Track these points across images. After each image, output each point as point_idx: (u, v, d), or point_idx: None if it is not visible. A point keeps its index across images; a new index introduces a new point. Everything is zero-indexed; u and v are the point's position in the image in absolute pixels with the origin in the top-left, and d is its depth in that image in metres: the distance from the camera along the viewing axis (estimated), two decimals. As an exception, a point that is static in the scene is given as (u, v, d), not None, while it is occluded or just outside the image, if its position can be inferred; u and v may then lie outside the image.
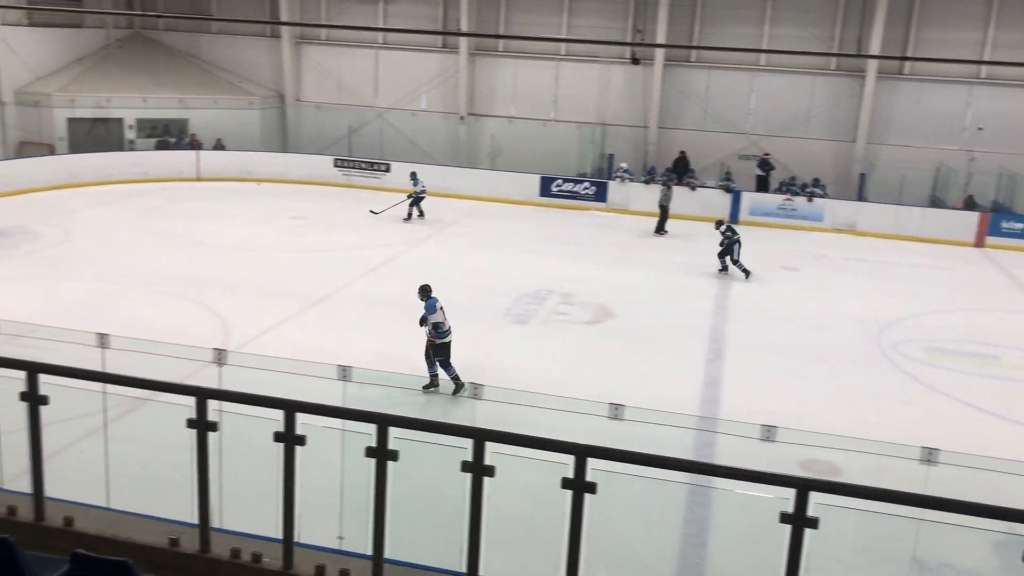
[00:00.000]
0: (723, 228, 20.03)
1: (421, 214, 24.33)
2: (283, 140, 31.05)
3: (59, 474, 6.89)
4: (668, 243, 23.38)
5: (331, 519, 7.59)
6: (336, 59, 30.88)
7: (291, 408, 4.73)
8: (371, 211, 24.16)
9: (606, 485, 5.52)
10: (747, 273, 19.64)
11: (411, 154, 29.79)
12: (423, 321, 12.23)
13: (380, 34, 30.04)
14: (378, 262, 19.61)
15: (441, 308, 12.36)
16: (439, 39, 29.91)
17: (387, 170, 28.58)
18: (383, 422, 4.62)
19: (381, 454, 4.66)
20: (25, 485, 5.61)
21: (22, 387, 5.14)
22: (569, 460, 4.49)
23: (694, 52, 28.15)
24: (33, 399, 5.02)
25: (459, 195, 27.50)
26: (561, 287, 18.27)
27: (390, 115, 30.54)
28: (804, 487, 4.14)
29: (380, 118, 30.57)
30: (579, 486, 4.42)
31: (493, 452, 4.73)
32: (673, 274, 19.99)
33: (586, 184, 27.39)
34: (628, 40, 28.04)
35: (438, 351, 11.97)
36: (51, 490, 5.59)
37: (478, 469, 4.54)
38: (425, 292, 12.59)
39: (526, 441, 4.47)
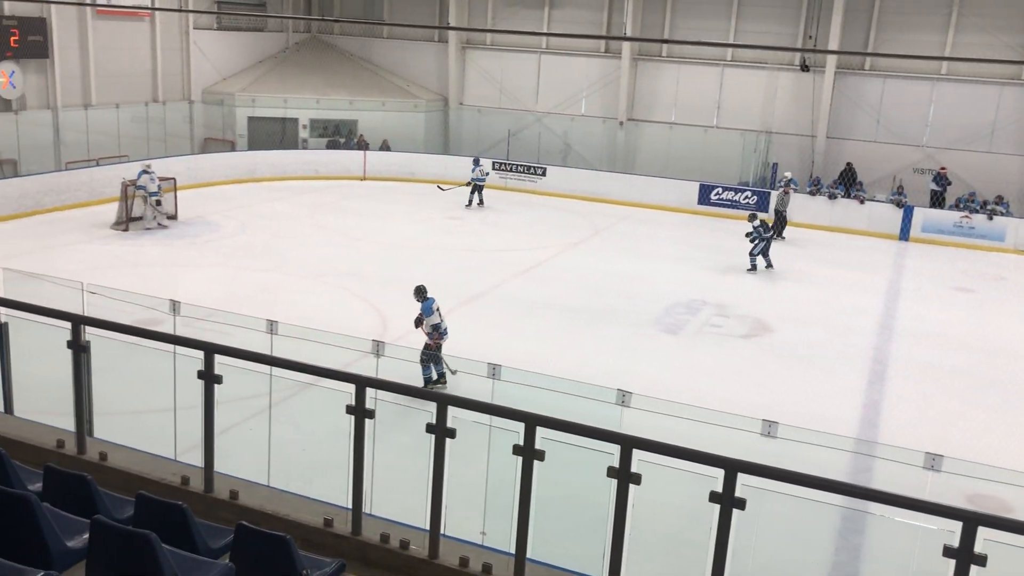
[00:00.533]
0: (756, 223, 20.30)
1: (480, 202, 25.42)
2: (445, 142, 31.86)
3: (227, 450, 7.35)
4: (834, 258, 22.44)
5: (476, 514, 7.73)
6: (499, 63, 31.42)
7: (443, 401, 4.85)
8: (439, 187, 25.67)
9: (756, 502, 5.37)
10: (769, 265, 20.38)
11: (568, 158, 29.95)
12: (419, 322, 12.26)
13: (543, 38, 30.32)
14: (531, 264, 19.80)
15: (437, 309, 12.38)
16: (602, 43, 29.89)
17: (543, 174, 28.81)
18: (531, 421, 4.67)
19: (528, 453, 4.71)
20: (196, 458, 6.01)
21: (199, 366, 5.52)
22: (718, 474, 4.40)
23: (869, 59, 26.90)
24: (209, 378, 5.37)
25: (615, 200, 27.42)
26: (716, 298, 17.87)
27: (549, 119, 30.77)
28: (973, 521, 3.89)
29: (539, 122, 30.86)
30: (728, 501, 4.32)
31: (640, 460, 4.69)
32: (836, 290, 19.16)
33: (747, 193, 26.69)
34: (798, 46, 27.11)
35: (433, 353, 11.94)
36: (219, 464, 5.97)
37: (624, 476, 4.51)
38: (421, 293, 12.63)
39: (675, 451, 4.41)
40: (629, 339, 15.27)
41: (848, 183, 26.29)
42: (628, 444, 4.48)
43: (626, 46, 28.80)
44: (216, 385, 5.43)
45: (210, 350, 5.33)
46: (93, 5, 24.69)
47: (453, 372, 11.83)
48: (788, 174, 26.35)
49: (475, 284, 17.86)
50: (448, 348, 12.40)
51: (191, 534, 4.18)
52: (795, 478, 4.38)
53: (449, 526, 6.02)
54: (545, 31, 30.08)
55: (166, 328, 10.36)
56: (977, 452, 10.73)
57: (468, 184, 25.29)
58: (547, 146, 30.60)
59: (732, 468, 4.28)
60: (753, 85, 28.36)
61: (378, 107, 30.57)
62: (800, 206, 25.40)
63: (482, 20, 31.00)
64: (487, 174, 25.82)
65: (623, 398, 7.73)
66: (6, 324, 9.13)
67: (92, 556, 3.38)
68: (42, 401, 9.84)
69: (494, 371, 8.38)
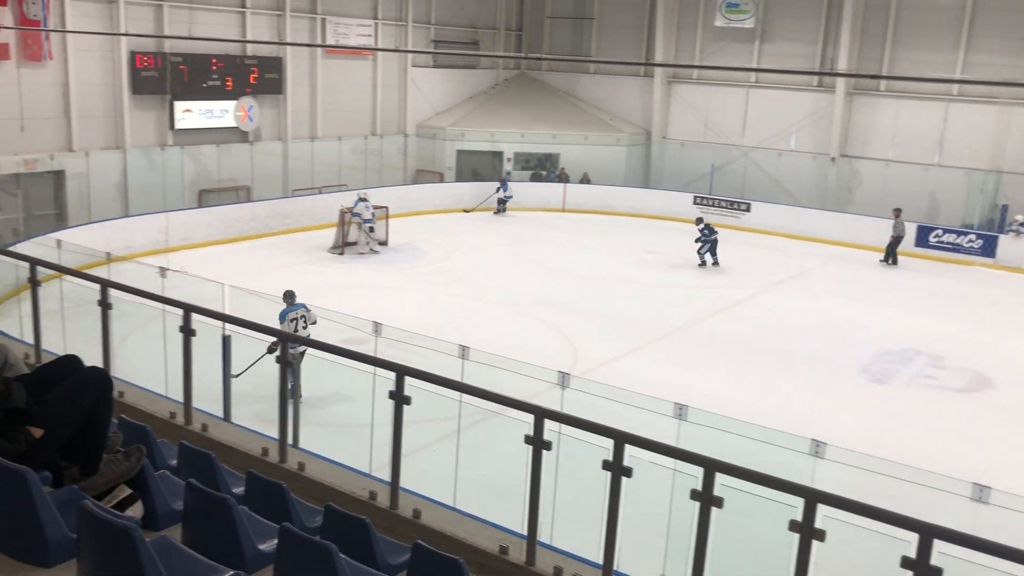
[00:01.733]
0: (702, 226, 22.71)
1: (501, 211, 28.16)
2: (646, 176, 31.77)
3: (415, 469, 7.62)
4: None
5: (655, 555, 7.58)
6: (705, 97, 31.02)
7: (620, 439, 4.81)
8: (464, 211, 27.80)
9: (959, 574, 4.93)
10: (716, 263, 22.41)
11: (775, 194, 29.00)
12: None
13: (753, 73, 29.65)
14: (730, 302, 19.30)
15: (297, 319, 12.10)
16: (815, 77, 28.81)
17: (747, 209, 28.07)
18: (710, 467, 4.54)
19: (706, 498, 4.58)
20: (386, 475, 6.28)
21: (391, 387, 5.78)
22: (913, 538, 4.08)
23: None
24: (399, 398, 5.61)
25: (824, 239, 26.24)
26: (931, 348, 16.64)
27: (755, 154, 29.97)
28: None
29: (745, 157, 30.13)
30: (922, 570, 3.99)
31: (826, 516, 4.44)
32: (1072, 345, 17.34)
33: (971, 236, 24.75)
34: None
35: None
36: (406, 483, 6.21)
37: (807, 531, 4.28)
38: (287, 297, 12.52)
39: (863, 509, 4.14)
40: (831, 386, 14.51)
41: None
42: (812, 498, 4.25)
43: (841, 80, 27.61)
44: (405, 406, 5.66)
45: (401, 372, 5.57)
46: (323, 46, 26.73)
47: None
48: (1020, 217, 24.27)
49: (669, 320, 17.63)
50: (635, 384, 12.26)
51: (372, 548, 4.37)
52: (1006, 552, 3.97)
53: (625, 564, 5.95)
54: (755, 66, 29.41)
55: (368, 348, 10.93)
56: None
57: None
58: (752, 181, 29.79)
59: (927, 533, 3.95)
60: (982, 121, 26.30)
61: (580, 141, 31.00)
62: (1033, 252, 23.30)
63: (689, 54, 30.77)
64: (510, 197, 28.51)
65: (816, 448, 7.35)
66: (229, 337, 9.97)
67: (279, 561, 3.61)
68: (257, 410, 10.66)
69: (680, 411, 8.21)
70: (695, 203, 28.89)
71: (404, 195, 27.63)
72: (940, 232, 25.12)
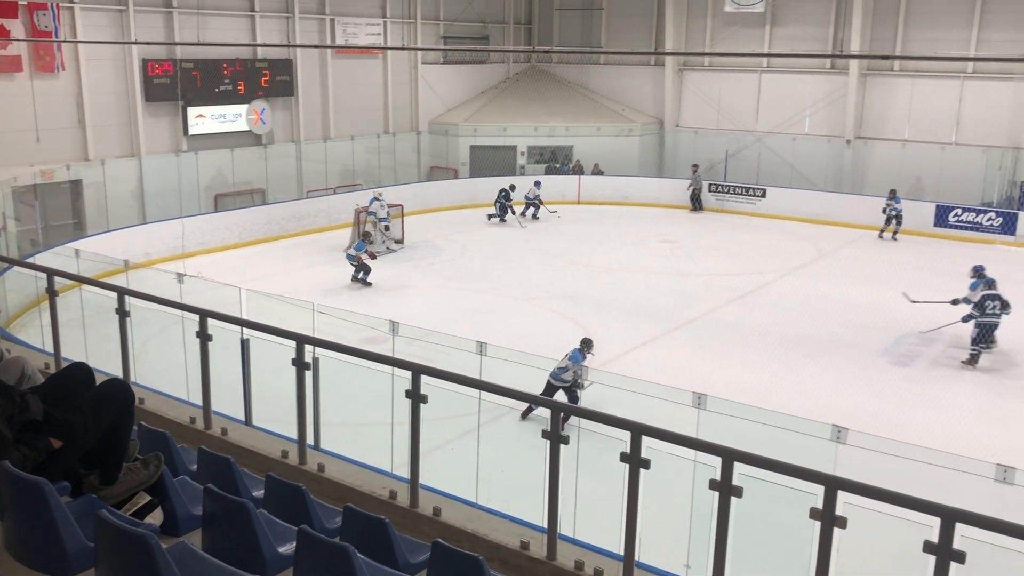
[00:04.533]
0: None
1: (524, 214, 26.57)
2: (660, 165, 31.65)
3: (435, 467, 7.62)
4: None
5: (679, 546, 7.56)
6: (717, 84, 30.83)
7: (637, 431, 4.79)
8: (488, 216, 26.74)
9: (983, 557, 4.88)
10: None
11: (790, 179, 28.81)
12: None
13: (764, 58, 29.43)
14: (747, 289, 19.20)
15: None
16: (827, 60, 28.57)
17: (763, 195, 27.91)
18: (728, 456, 4.51)
19: (725, 488, 4.55)
20: (406, 473, 6.29)
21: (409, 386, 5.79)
22: (935, 522, 4.04)
23: None
24: (415, 397, 5.62)
25: (841, 223, 26.05)
26: (953, 328, 16.47)
27: (769, 139, 29.76)
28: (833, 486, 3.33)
29: (759, 142, 29.93)
30: (944, 553, 3.95)
31: (846, 503, 4.41)
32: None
33: (991, 215, 24.49)
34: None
35: None
36: (427, 481, 6.22)
37: (828, 519, 4.25)
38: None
39: (883, 495, 4.10)
40: (853, 371, 14.41)
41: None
42: (832, 485, 4.22)
43: (854, 62, 27.36)
44: (422, 404, 5.66)
45: (417, 371, 5.57)
46: (333, 47, 26.78)
47: None
48: (1040, 193, 23.97)
49: (688, 309, 17.56)
50: (655, 375, 12.23)
51: (392, 548, 4.38)
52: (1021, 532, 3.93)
53: (650, 556, 5.93)
54: (766, 51, 29.16)
55: (386, 347, 10.96)
56: None
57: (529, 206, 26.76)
58: (767, 167, 29.60)
59: (949, 517, 3.91)
60: (998, 98, 25.99)
61: (593, 132, 30.90)
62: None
63: (699, 41, 30.58)
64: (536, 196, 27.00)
65: (838, 434, 7.30)
66: (247, 340, 10.03)
67: (298, 564, 3.63)
68: (277, 412, 10.72)
69: (699, 400, 8.19)
70: (709, 191, 28.78)
71: (419, 192, 27.67)
72: (959, 211, 24.88)
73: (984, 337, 14.58)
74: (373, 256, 19.81)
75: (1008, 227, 23.99)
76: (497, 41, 33.02)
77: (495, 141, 30.61)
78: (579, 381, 11.31)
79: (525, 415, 11.07)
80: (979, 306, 14.62)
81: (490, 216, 26.52)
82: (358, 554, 3.54)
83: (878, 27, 27.40)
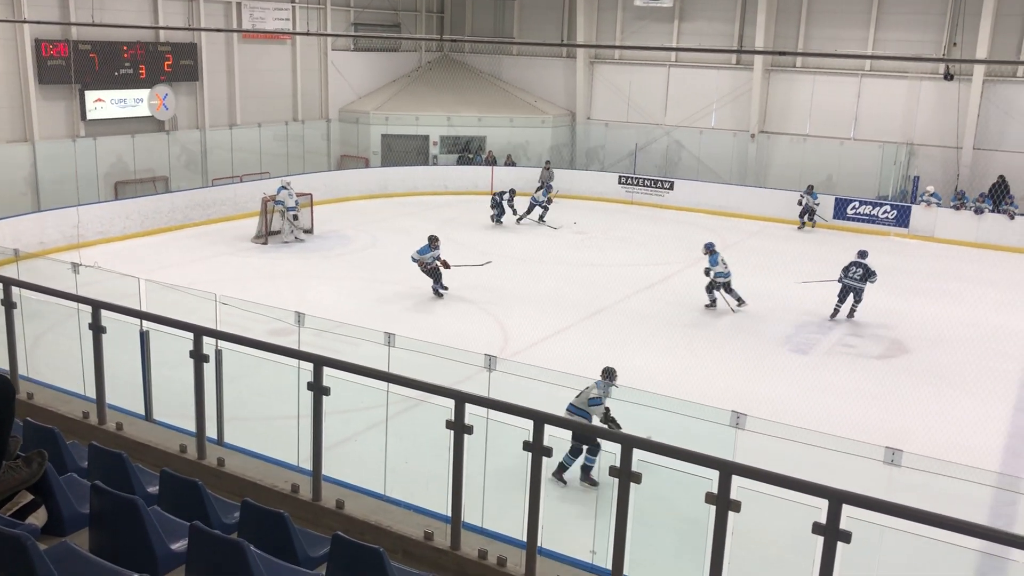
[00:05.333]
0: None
1: (527, 213, 25.32)
2: (572, 157, 31.93)
3: (340, 460, 7.52)
4: (980, 275, 21.13)
5: (584, 533, 7.66)
6: (627, 77, 31.26)
7: (540, 419, 4.83)
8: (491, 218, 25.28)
9: (871, 537, 5.09)
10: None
11: (697, 172, 29.46)
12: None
13: (673, 52, 29.98)
14: (654, 280, 19.56)
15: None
16: (733, 55, 29.28)
17: (671, 188, 28.44)
18: (627, 443, 4.59)
19: (625, 475, 4.63)
20: (310, 467, 6.20)
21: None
22: (823, 505, 4.19)
23: (1021, 67, 25.25)
24: (318, 389, 5.54)
25: (746, 215, 26.77)
26: (852, 317, 17.14)
27: (677, 132, 30.35)
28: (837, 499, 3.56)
29: (667, 136, 30.49)
30: (831, 534, 4.11)
31: (740, 487, 4.53)
32: (982, 310, 18.00)
33: (886, 208, 25.52)
34: (942, 54, 25.73)
35: None
36: (333, 474, 6.15)
37: (723, 503, 4.36)
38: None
39: (776, 479, 4.24)
40: (755, 359, 14.84)
41: (999, 197, 24.74)
42: (726, 469, 4.34)
43: (758, 58, 28.11)
44: (325, 396, 5.59)
45: (319, 362, 5.49)
46: (239, 31, 26.10)
47: None
48: (930, 188, 25.08)
49: (599, 299, 17.78)
50: (565, 364, 12.36)
51: (291, 542, 4.32)
52: (909, 513, 4.10)
53: (556, 543, 5.99)
54: (675, 45, 29.71)
55: (293, 339, 10.77)
56: None
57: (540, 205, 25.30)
58: (675, 160, 30.20)
59: (836, 499, 4.06)
60: (893, 95, 27.12)
61: (506, 123, 30.96)
62: (944, 221, 24.11)
63: (610, 35, 30.94)
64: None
65: (737, 420, 7.50)
66: (147, 333, 9.71)
67: (190, 561, 3.53)
68: (179, 406, 10.43)
69: (606, 388, 8.30)
70: (619, 183, 29.17)
71: (328, 181, 27.25)
72: (857, 204, 25.84)
73: (841, 295, 17.11)
74: (447, 265, 17.71)
75: (902, 220, 25.04)
76: (409, 29, 32.75)
77: (407, 130, 30.38)
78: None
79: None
80: (844, 270, 17.14)
81: (493, 217, 25.21)
82: (254, 549, 3.47)
83: (781, 25, 28.20)
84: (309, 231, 22.92)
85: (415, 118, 30.38)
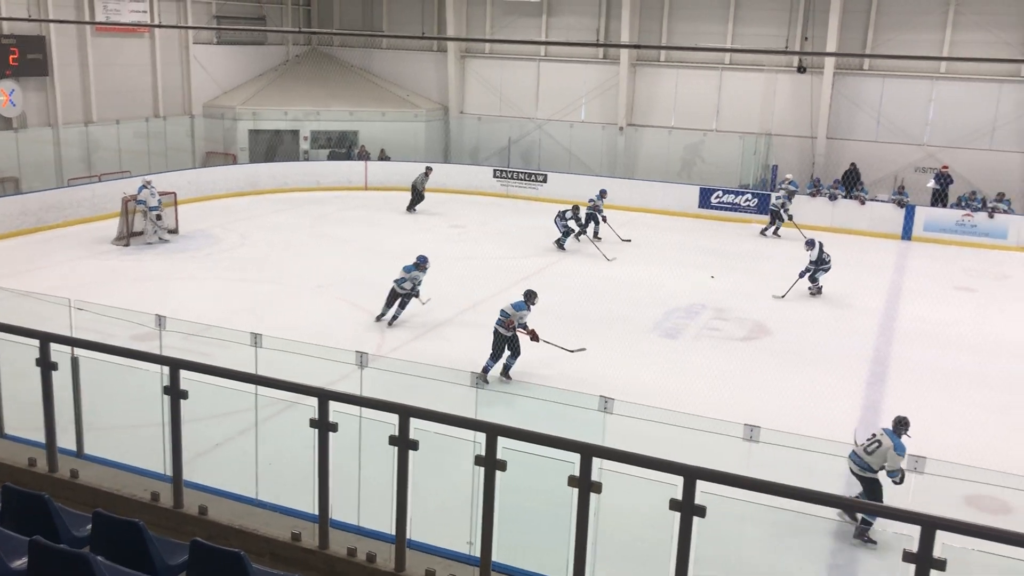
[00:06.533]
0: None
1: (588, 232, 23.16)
2: (446, 151, 31.90)
3: (204, 466, 7.30)
4: (835, 258, 22.26)
5: (459, 524, 7.69)
6: (499, 72, 31.46)
7: (405, 413, 4.83)
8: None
9: (727, 510, 5.31)
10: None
11: (569, 164, 29.94)
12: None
13: (542, 46, 30.35)
14: (531, 271, 19.78)
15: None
16: (600, 50, 29.89)
17: (544, 180, 28.81)
18: (492, 432, 4.64)
19: (490, 463, 4.68)
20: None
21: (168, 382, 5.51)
22: (678, 481, 4.36)
23: (867, 60, 26.80)
24: (175, 393, 5.37)
25: (616, 206, 27.28)
26: (716, 302, 17.81)
27: (549, 126, 30.78)
28: (931, 525, 3.84)
29: (539, 129, 30.87)
30: (688, 508, 4.27)
31: (603, 468, 4.66)
32: (838, 293, 19.04)
33: (748, 196, 26.61)
34: (796, 48, 27.02)
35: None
36: (198, 480, 5.96)
37: (585, 485, 4.47)
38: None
39: (634, 459, 4.37)
40: (628, 345, 15.22)
41: (851, 184, 26.18)
42: (587, 452, 4.45)
43: (624, 52, 28.79)
44: (183, 400, 5.42)
45: (175, 365, 5.32)
46: (92, 23, 24.86)
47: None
48: (788, 176, 26.26)
49: (475, 292, 17.84)
50: (445, 359, 12.37)
51: (147, 552, 4.17)
52: (760, 486, 4.31)
53: (427, 535, 5.99)
54: (543, 39, 30.11)
55: (153, 343, 10.38)
56: (977, 453, 10.62)
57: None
58: (548, 153, 30.61)
59: (691, 475, 4.23)
60: (751, 88, 28.31)
61: (378, 117, 30.65)
62: (800, 207, 25.30)
63: (480, 29, 31.06)
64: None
65: (605, 405, 7.69)
66: (-8, 342, 9.16)
67: (32, 577, 3.37)
68: (34, 420, 9.89)
69: (476, 380, 8.36)
70: (495, 176, 29.34)
71: (194, 179, 26.32)
72: (720, 193, 26.83)
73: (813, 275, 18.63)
74: (535, 337, 13.48)
75: (762, 208, 26.14)
76: (275, 22, 31.95)
77: (276, 125, 29.67)
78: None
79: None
80: (820, 260, 18.57)
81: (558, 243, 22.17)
82: (104, 561, 3.34)
83: (645, 20, 28.97)
84: (174, 231, 22.09)
85: (284, 112, 29.71)
